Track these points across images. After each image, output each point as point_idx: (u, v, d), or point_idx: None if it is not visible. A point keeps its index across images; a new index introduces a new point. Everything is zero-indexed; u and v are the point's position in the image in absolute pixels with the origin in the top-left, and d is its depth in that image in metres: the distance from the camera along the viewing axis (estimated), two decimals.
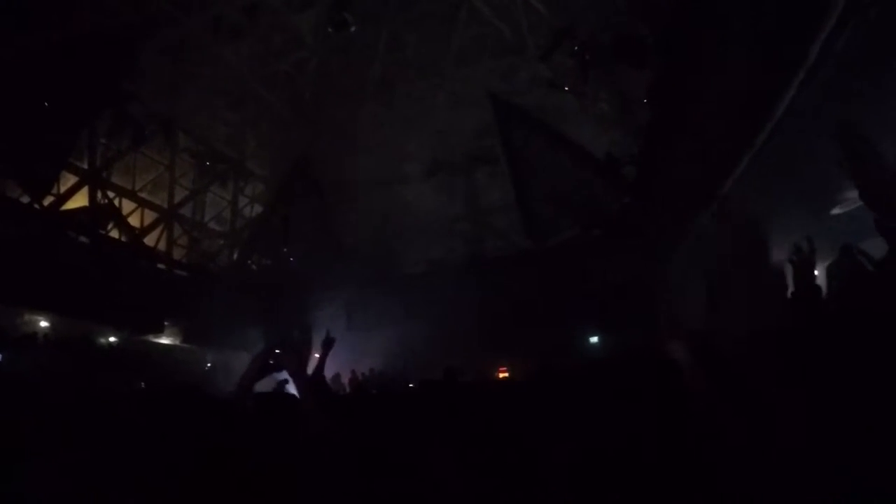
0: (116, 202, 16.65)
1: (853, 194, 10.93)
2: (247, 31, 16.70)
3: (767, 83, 7.82)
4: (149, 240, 17.46)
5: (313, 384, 2.75)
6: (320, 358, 4.19)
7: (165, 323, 16.56)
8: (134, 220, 17.30)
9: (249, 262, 20.05)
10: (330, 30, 15.62)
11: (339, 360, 13.23)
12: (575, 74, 14.87)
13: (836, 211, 11.55)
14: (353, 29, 15.33)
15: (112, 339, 15.96)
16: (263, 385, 3.24)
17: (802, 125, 8.37)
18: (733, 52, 8.47)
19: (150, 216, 17.99)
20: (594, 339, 15.86)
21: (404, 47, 18.04)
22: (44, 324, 14.54)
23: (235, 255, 20.33)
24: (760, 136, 8.71)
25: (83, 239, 14.74)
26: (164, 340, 17.29)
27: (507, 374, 15.09)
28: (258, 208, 21.36)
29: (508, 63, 17.96)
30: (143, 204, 17.86)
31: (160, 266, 17.46)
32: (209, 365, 18.84)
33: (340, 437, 2.33)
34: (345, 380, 14.72)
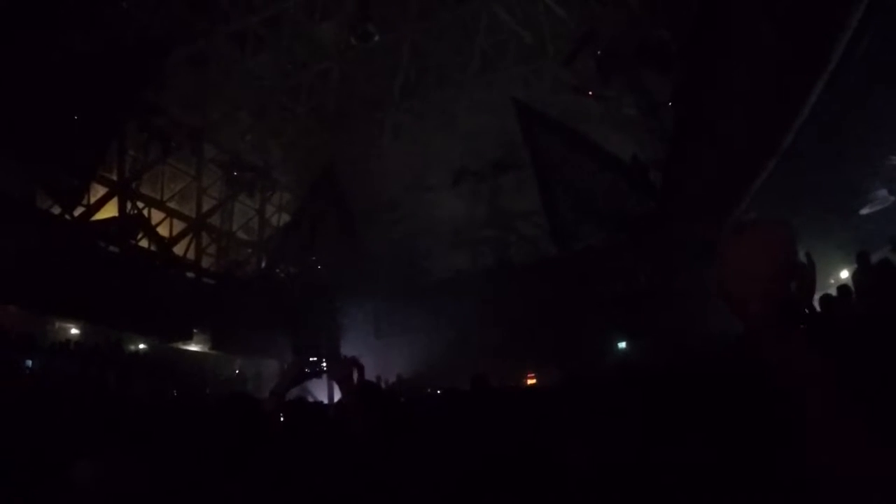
0: (145, 212, 16.92)
1: (882, 193, 10.74)
2: (270, 43, 16.89)
3: (791, 88, 7.71)
4: (178, 249, 17.69)
5: (366, 391, 2.74)
6: (358, 376, 4.20)
7: (194, 330, 16.69)
8: (163, 230, 17.54)
9: (277, 269, 20.19)
10: (353, 40, 15.72)
11: (365, 368, 13.22)
12: (598, 79, 14.81)
13: (865, 211, 11.34)
14: (375, 39, 15.42)
15: (141, 346, 16.20)
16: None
17: (828, 128, 8.24)
18: (757, 56, 8.37)
19: (178, 226, 18.25)
20: (622, 345, 15.69)
21: (427, 56, 18.10)
22: (74, 331, 14.82)
23: (263, 263, 20.50)
24: (786, 140, 8.59)
25: (113, 249, 14.96)
26: (193, 347, 17.45)
27: (535, 381, 14.97)
28: (285, 217, 21.55)
29: (531, 69, 17.94)
30: (171, 214, 18.13)
31: (189, 274, 17.68)
32: (237, 371, 19.02)
33: (385, 445, 2.32)
34: None
